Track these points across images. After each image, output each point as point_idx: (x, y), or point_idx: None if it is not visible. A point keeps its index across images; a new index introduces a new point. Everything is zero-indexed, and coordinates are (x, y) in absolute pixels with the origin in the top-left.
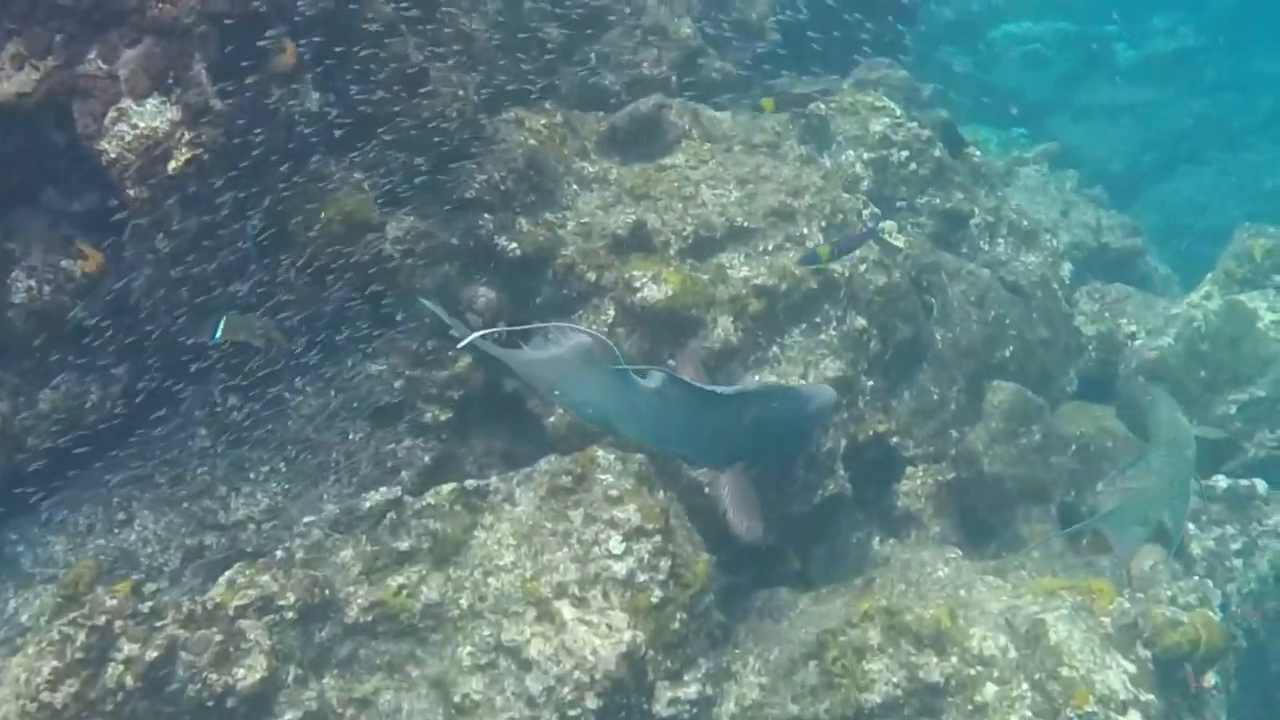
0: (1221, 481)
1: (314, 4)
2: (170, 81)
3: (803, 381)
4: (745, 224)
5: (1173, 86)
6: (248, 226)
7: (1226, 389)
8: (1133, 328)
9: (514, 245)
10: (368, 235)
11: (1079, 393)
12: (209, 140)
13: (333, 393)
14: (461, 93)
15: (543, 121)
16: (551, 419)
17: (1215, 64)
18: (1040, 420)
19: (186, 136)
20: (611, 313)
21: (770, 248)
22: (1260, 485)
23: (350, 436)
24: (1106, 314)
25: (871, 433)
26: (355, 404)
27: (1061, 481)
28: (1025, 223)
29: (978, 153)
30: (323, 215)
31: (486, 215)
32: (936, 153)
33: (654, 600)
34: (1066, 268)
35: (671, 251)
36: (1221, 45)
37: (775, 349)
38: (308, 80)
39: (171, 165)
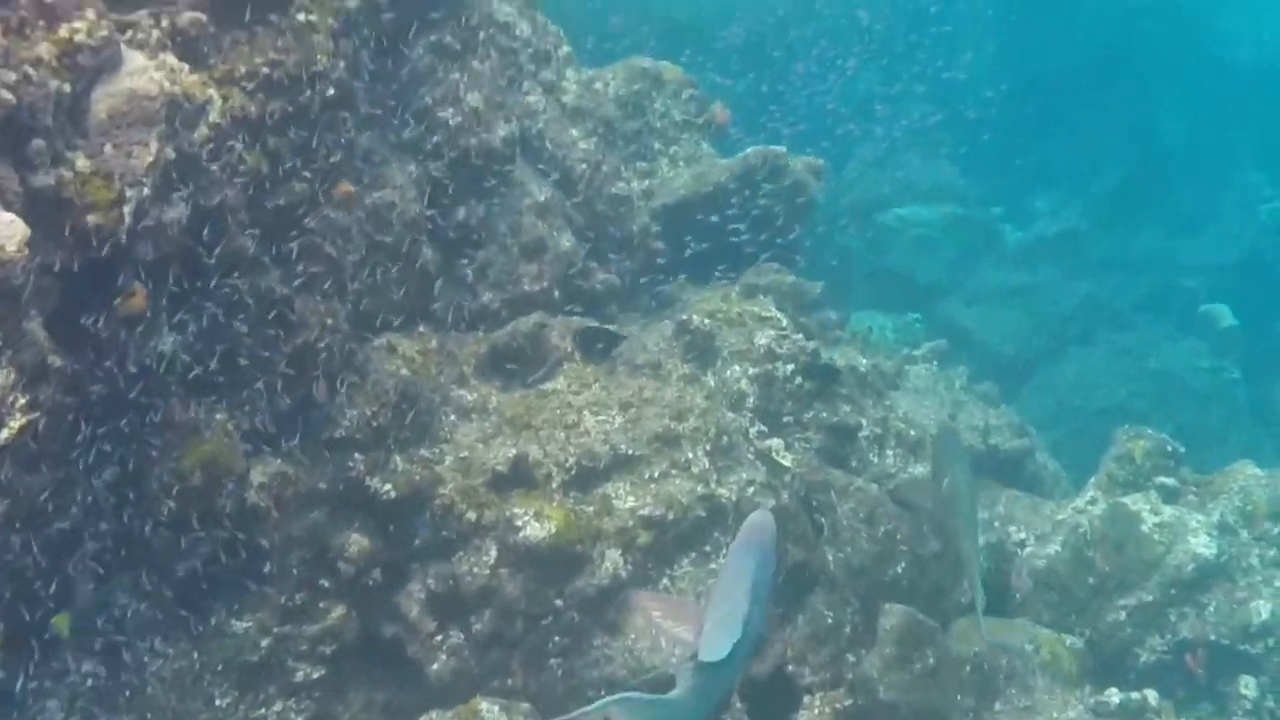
0: (1114, 697)
1: (167, 243)
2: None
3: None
4: (630, 451)
5: (1058, 268)
6: (97, 481)
7: (1115, 595)
8: (1022, 535)
9: (388, 487)
10: (229, 484)
11: (972, 604)
12: (47, 401)
13: (196, 654)
14: (330, 322)
15: (417, 348)
16: (434, 666)
17: (1098, 245)
18: (933, 643)
19: (20, 401)
20: (493, 553)
21: (656, 475)
22: (1152, 697)
23: (217, 702)
24: (996, 523)
25: (768, 662)
26: (220, 665)
27: (957, 706)
28: (913, 432)
29: (863, 361)
30: (181, 464)
31: (358, 455)
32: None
33: None
34: None
35: (554, 485)
36: (1103, 226)
37: (665, 580)
38: (161, 321)
39: (3, 434)
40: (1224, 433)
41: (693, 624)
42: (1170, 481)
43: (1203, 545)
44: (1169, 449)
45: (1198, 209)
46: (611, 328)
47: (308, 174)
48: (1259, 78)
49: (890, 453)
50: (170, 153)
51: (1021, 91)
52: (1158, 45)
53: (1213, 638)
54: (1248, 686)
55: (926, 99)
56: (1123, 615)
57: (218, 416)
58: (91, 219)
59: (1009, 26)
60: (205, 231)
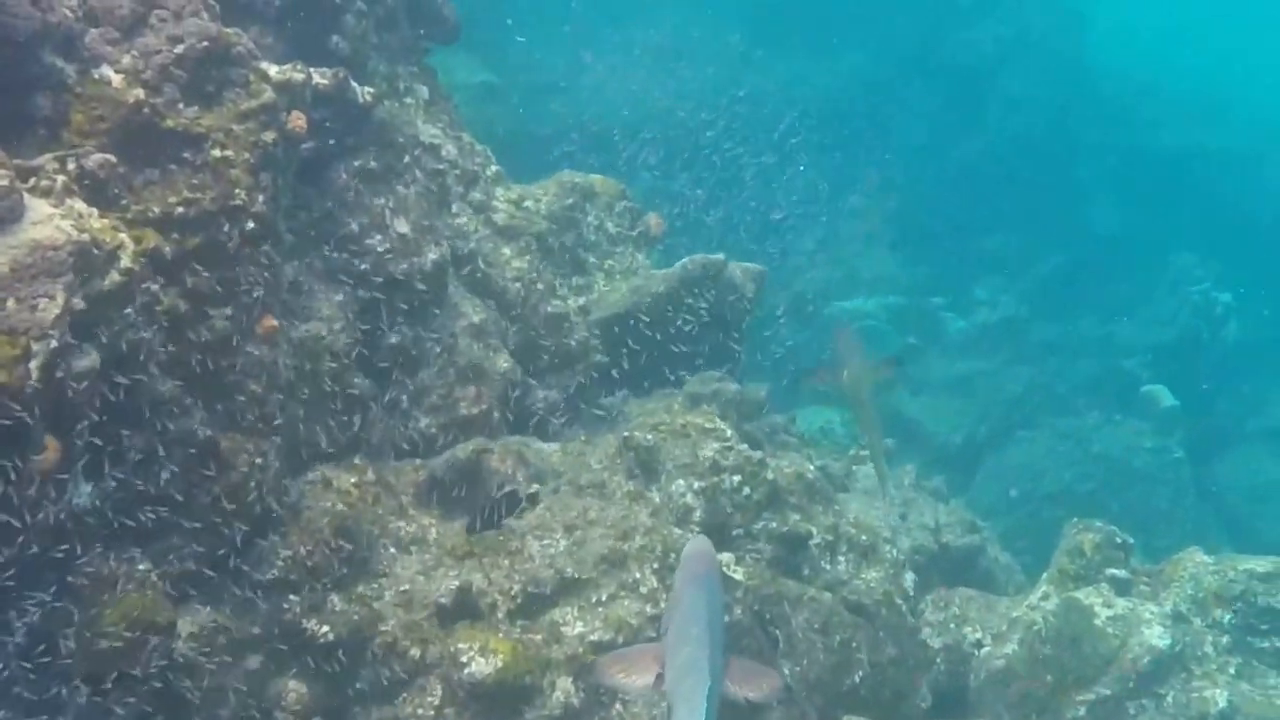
0: None
1: (79, 394)
2: None
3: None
4: (576, 575)
5: (1001, 355)
6: (9, 644)
7: (1073, 690)
8: (978, 635)
9: (325, 628)
10: (155, 637)
11: (933, 708)
12: None
13: None
14: (259, 461)
15: (352, 480)
16: None
17: (1038, 330)
18: None
19: None
20: (439, 692)
21: (604, 598)
22: None
23: None
24: (952, 625)
25: None
26: None
27: None
28: (864, 537)
29: (810, 467)
30: (102, 620)
31: (293, 596)
32: (770, 474)
33: None
34: (909, 579)
35: (500, 614)
36: (1041, 312)
37: (618, 707)
38: (77, 473)
39: None
40: (1171, 511)
41: (654, 667)
42: (1121, 573)
43: (1157, 636)
44: (1118, 540)
45: (1132, 292)
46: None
47: (229, 310)
48: (1182, 162)
49: (842, 559)
50: (79, 302)
51: (956, 179)
52: (1085, 135)
53: None
54: None
55: (865, 189)
56: (1082, 711)
57: (141, 567)
58: None
59: (941, 116)
60: (121, 377)
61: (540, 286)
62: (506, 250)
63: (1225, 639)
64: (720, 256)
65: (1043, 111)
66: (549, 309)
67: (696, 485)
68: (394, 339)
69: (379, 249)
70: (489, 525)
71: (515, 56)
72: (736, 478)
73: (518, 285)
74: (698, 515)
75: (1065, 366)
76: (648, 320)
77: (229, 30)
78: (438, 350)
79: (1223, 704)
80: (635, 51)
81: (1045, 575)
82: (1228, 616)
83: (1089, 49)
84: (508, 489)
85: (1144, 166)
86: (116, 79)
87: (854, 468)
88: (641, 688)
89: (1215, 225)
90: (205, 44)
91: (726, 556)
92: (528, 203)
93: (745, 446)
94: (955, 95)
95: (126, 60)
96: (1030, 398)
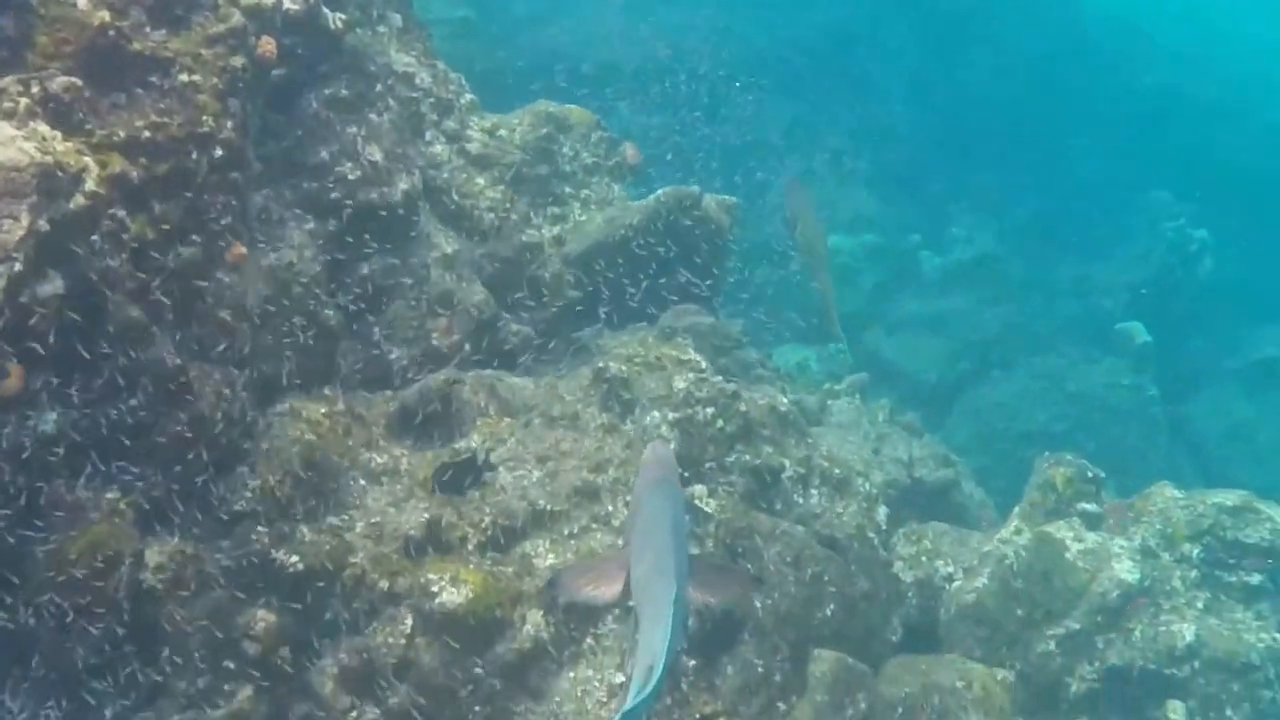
0: None
1: (44, 319)
2: None
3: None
4: (548, 507)
5: (977, 293)
6: None
7: (1044, 624)
8: (949, 569)
9: (295, 559)
10: (122, 567)
11: (903, 642)
12: None
13: None
14: (227, 391)
15: (322, 410)
16: None
17: (1015, 269)
18: (864, 687)
19: None
20: (409, 622)
21: (576, 530)
22: None
23: None
24: (924, 558)
25: (698, 716)
26: None
27: None
28: (837, 470)
29: (784, 400)
30: (68, 550)
31: (261, 527)
32: (743, 407)
33: None
34: (882, 512)
35: (470, 546)
36: (1019, 251)
37: (590, 640)
38: (42, 400)
39: None
40: (1144, 450)
41: (619, 576)
42: (1092, 507)
43: (1126, 571)
44: (1089, 474)
45: (1110, 230)
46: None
47: (198, 238)
48: (1161, 100)
49: (815, 492)
50: (44, 225)
51: (936, 119)
52: (1066, 73)
53: (1140, 663)
54: (1175, 711)
55: (843, 128)
56: (1052, 645)
57: (108, 496)
58: None
59: (923, 56)
60: (88, 303)
61: (514, 217)
62: (480, 180)
63: (1193, 574)
64: (695, 188)
65: (1026, 53)
66: (523, 239)
67: (671, 417)
68: (365, 269)
69: (350, 177)
70: (453, 489)
71: None
72: (710, 409)
73: (491, 215)
74: (672, 448)
75: (1043, 305)
76: (622, 252)
77: None
78: (409, 281)
79: (1190, 638)
80: None
81: (1017, 509)
82: (1196, 551)
83: None
84: (464, 456)
85: (1126, 109)
86: (83, 1)
87: (829, 402)
88: (609, 598)
89: (1194, 167)
90: None
91: (699, 489)
92: (502, 132)
93: (720, 379)
94: (937, 36)
95: None
96: (1007, 337)
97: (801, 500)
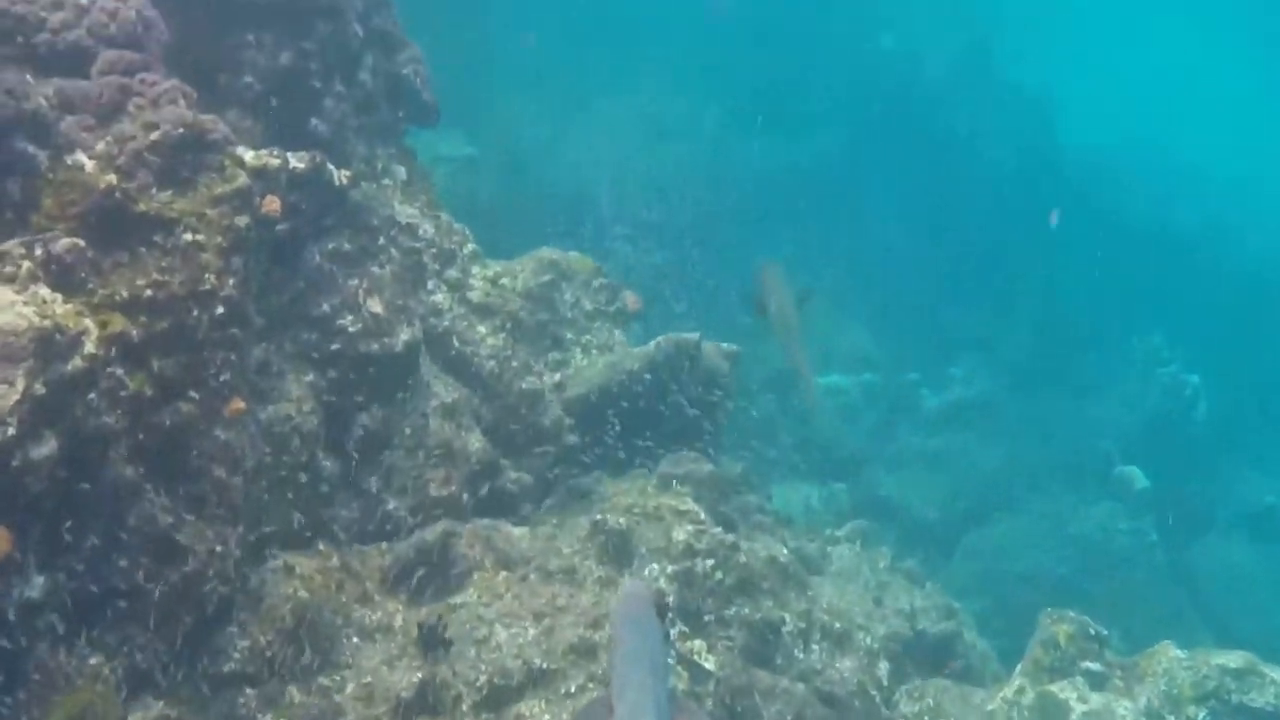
0: None
1: (37, 482)
2: None
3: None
4: (544, 665)
5: (976, 432)
6: None
7: None
8: None
9: None
10: None
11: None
12: None
13: None
14: (219, 548)
15: (315, 566)
16: None
17: (1012, 408)
18: None
19: None
20: None
21: (573, 689)
22: None
23: None
24: (926, 717)
25: None
26: None
27: None
28: (838, 624)
29: (784, 551)
30: (50, 717)
31: (250, 689)
32: (743, 558)
33: None
34: (883, 667)
35: (465, 707)
36: (1016, 390)
37: None
38: (30, 565)
39: None
40: (1147, 594)
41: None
42: (1095, 666)
43: None
44: (1092, 631)
45: (1104, 370)
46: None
47: (196, 394)
48: (1149, 240)
49: (816, 646)
50: (40, 388)
51: (931, 255)
52: (1049, 208)
53: None
54: None
55: (840, 264)
56: None
57: (92, 661)
58: None
59: (914, 191)
60: (82, 463)
61: (515, 364)
62: (482, 328)
63: None
64: (695, 335)
65: (1012, 192)
66: (523, 386)
67: (670, 569)
68: (364, 419)
69: (351, 329)
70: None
71: (497, 129)
72: (709, 562)
73: (492, 363)
74: (671, 600)
75: (1040, 445)
76: (622, 397)
77: (205, 117)
78: (408, 431)
79: None
80: (613, 126)
81: (1020, 667)
82: (1201, 714)
83: (1059, 135)
84: (443, 622)
85: (1111, 247)
86: (89, 164)
87: (829, 549)
88: None
89: (1180, 304)
90: (181, 130)
91: (698, 644)
92: (504, 280)
93: (719, 529)
94: (928, 176)
95: (101, 146)
96: (1006, 476)
97: (802, 655)
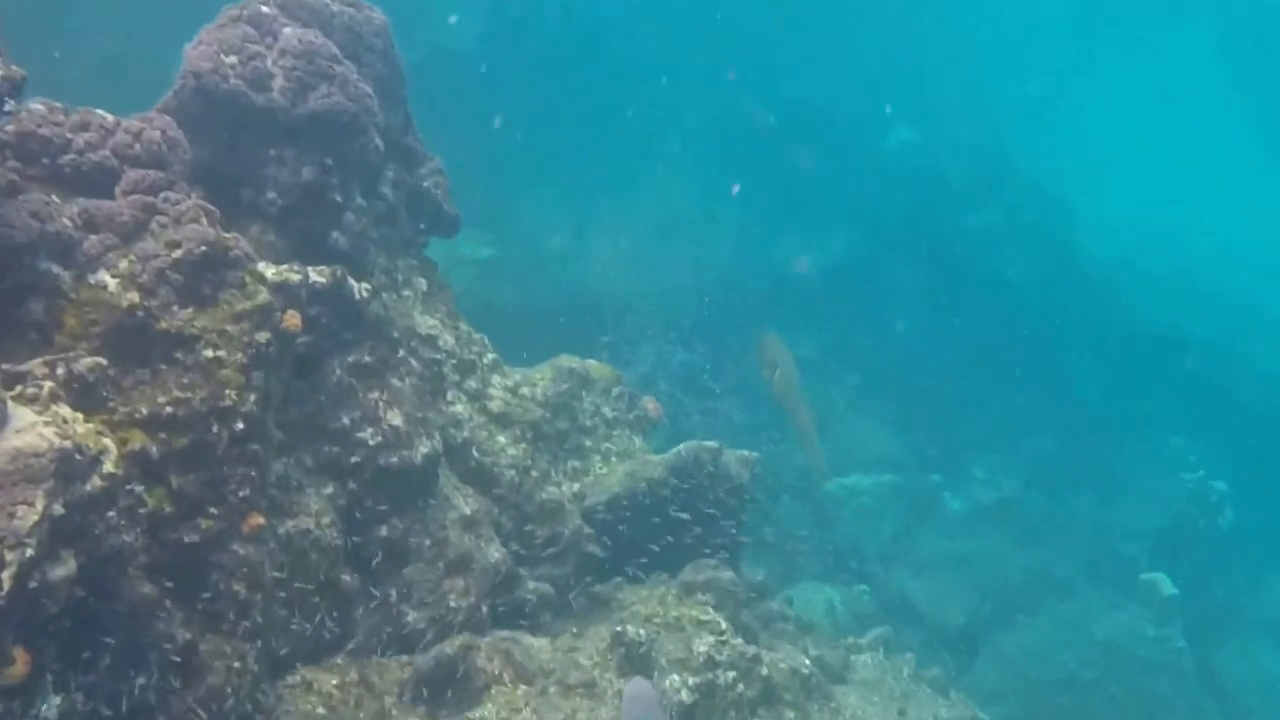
0: None
1: (54, 602)
2: None
3: None
4: None
5: (1000, 535)
6: None
7: None
8: None
9: None
10: None
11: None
12: None
13: None
14: (238, 665)
15: (334, 681)
16: None
17: (1035, 511)
18: None
19: None
20: None
21: None
22: None
23: None
24: None
25: None
26: None
27: None
28: None
29: (806, 661)
30: None
31: None
32: (764, 670)
33: None
34: None
35: None
36: (1038, 493)
37: None
38: (46, 685)
39: None
40: (1175, 701)
41: None
42: None
43: None
44: None
45: (1128, 472)
46: None
47: (215, 510)
48: (1164, 338)
49: None
50: (58, 508)
51: (952, 356)
52: (1073, 317)
53: None
54: None
55: (860, 365)
56: None
57: None
58: None
59: (934, 293)
60: (100, 582)
61: (535, 474)
62: (501, 438)
63: None
64: (715, 444)
65: (1031, 292)
66: (543, 496)
67: (691, 681)
68: (383, 532)
69: (371, 442)
70: None
71: (519, 231)
72: (731, 673)
73: (512, 473)
74: (690, 703)
75: (1064, 548)
76: (642, 506)
77: (227, 235)
78: (428, 542)
79: None
80: (632, 223)
81: None
82: None
83: (1076, 235)
84: None
85: (1130, 348)
86: (112, 283)
87: (852, 657)
88: None
89: (1203, 407)
90: (203, 248)
91: None
92: (524, 390)
93: (740, 640)
94: (947, 275)
95: (124, 265)
96: (1030, 579)
97: None
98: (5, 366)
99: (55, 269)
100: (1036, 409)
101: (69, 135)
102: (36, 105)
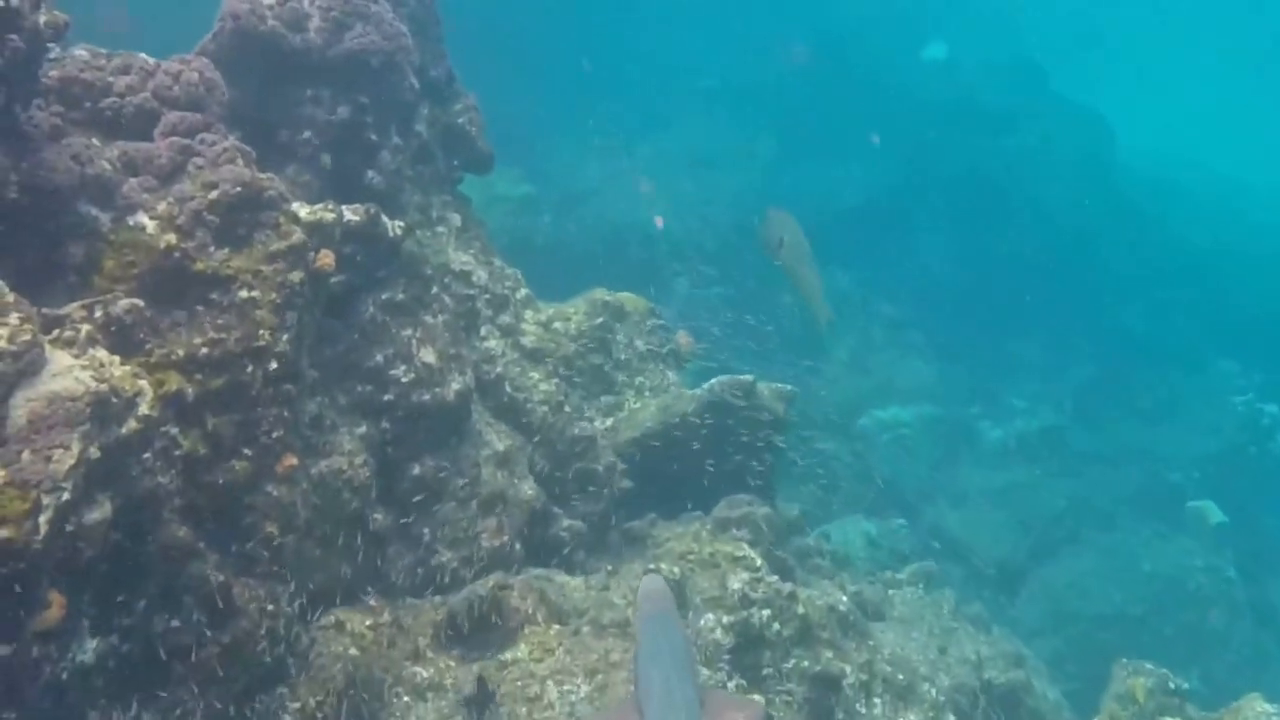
0: None
1: (90, 545)
2: None
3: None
4: None
5: (1040, 465)
6: None
7: None
8: None
9: None
10: None
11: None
12: None
13: None
14: (271, 606)
15: (367, 622)
16: None
17: (1077, 440)
18: None
19: None
20: None
21: None
22: None
23: None
24: None
25: None
26: None
27: None
28: (901, 675)
29: (843, 599)
30: None
31: None
32: (801, 608)
33: None
34: None
35: None
36: (1080, 420)
37: None
38: (83, 629)
39: None
40: (1227, 635)
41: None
42: None
43: None
44: (1172, 685)
45: (1172, 397)
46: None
47: (249, 451)
48: (1211, 263)
49: (878, 700)
50: (95, 452)
51: (987, 287)
52: (1113, 238)
53: None
54: None
55: (895, 298)
56: None
57: None
58: (2, 534)
59: (967, 224)
60: (135, 525)
61: (568, 409)
62: (534, 374)
63: None
64: (749, 377)
65: (1070, 216)
66: (576, 432)
67: (725, 620)
68: (416, 470)
69: (403, 379)
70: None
71: (554, 168)
72: (766, 612)
73: (544, 409)
74: (727, 652)
75: (1107, 478)
76: (676, 441)
77: (262, 175)
78: (461, 481)
79: None
80: (667, 160)
81: None
82: None
83: (1114, 153)
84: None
85: (1174, 268)
86: (150, 225)
87: (890, 592)
88: None
89: (1251, 329)
90: (238, 189)
91: (759, 698)
92: (557, 324)
93: (775, 578)
94: (983, 201)
95: (162, 206)
96: (1073, 511)
97: (864, 710)
98: (45, 310)
99: (95, 212)
100: (1076, 335)
101: (110, 79)
102: (80, 51)
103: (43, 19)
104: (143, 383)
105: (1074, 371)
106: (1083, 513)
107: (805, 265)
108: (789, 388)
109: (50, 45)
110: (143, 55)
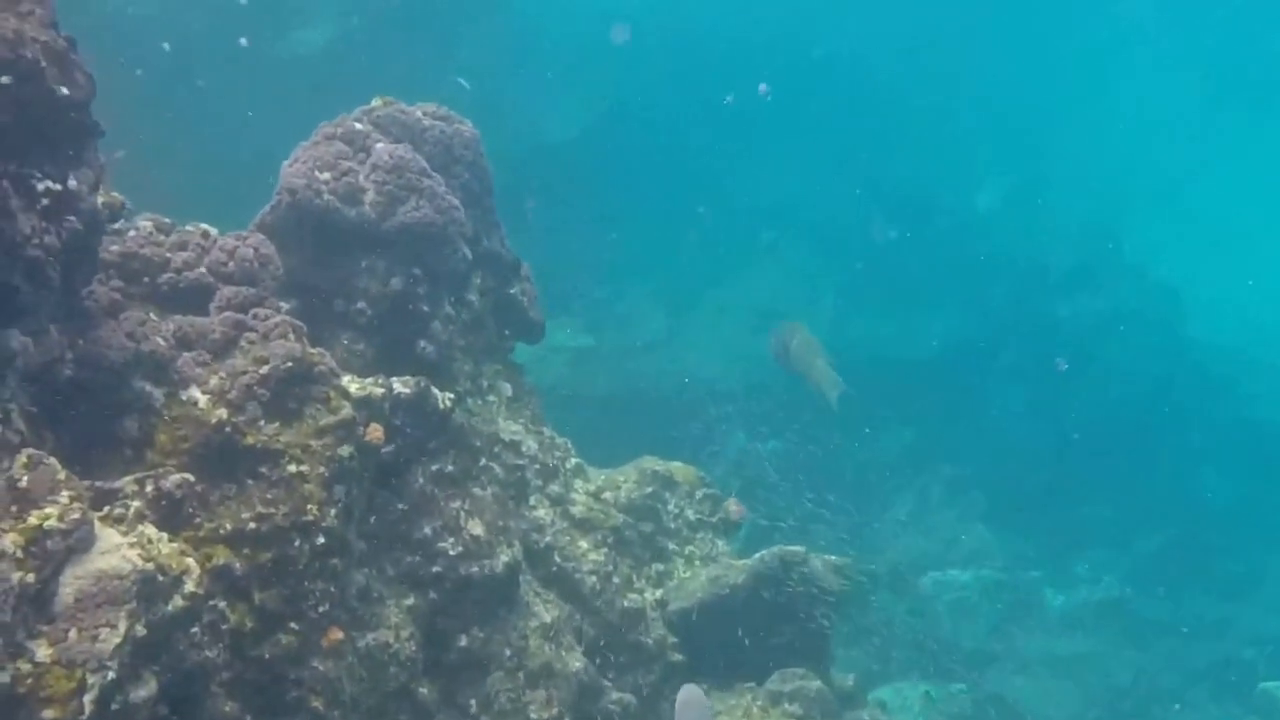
0: None
1: (143, 719)
2: None
3: None
4: None
5: (1106, 636)
6: None
7: None
8: None
9: None
10: None
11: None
12: None
13: None
14: None
15: None
16: None
17: (1145, 611)
18: None
19: None
20: None
21: None
22: None
23: None
24: None
25: None
26: None
27: None
28: None
29: None
30: None
31: None
32: None
33: None
34: None
35: None
36: (1148, 591)
37: None
38: None
39: None
40: None
41: None
42: None
43: None
44: None
45: (1248, 570)
46: None
47: (296, 625)
48: None
49: None
50: (141, 629)
51: (1054, 447)
52: (1187, 406)
53: None
54: None
55: (959, 455)
56: None
57: None
58: (47, 715)
59: (1040, 382)
60: (182, 700)
61: (616, 580)
62: (584, 543)
63: None
64: (800, 548)
65: (1141, 382)
66: (625, 604)
67: None
68: (463, 642)
69: (451, 552)
70: None
71: (613, 320)
72: None
73: (594, 579)
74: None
75: (1177, 652)
76: (727, 610)
77: (313, 350)
78: (508, 652)
79: None
80: (730, 312)
81: None
82: None
83: (1187, 322)
84: None
85: (1249, 440)
86: (203, 399)
87: None
88: None
89: None
90: (289, 364)
91: None
92: (607, 494)
93: None
94: (1051, 365)
95: (214, 381)
96: (1139, 685)
97: None
98: (99, 483)
99: (149, 388)
100: (1145, 503)
101: (167, 255)
102: (144, 222)
103: (100, 200)
104: (189, 560)
105: (1142, 540)
106: (1149, 688)
107: (814, 355)
108: (842, 560)
109: (106, 224)
110: (203, 227)
